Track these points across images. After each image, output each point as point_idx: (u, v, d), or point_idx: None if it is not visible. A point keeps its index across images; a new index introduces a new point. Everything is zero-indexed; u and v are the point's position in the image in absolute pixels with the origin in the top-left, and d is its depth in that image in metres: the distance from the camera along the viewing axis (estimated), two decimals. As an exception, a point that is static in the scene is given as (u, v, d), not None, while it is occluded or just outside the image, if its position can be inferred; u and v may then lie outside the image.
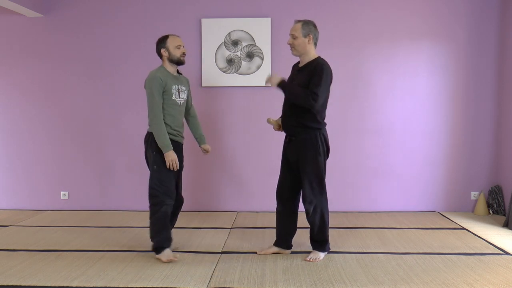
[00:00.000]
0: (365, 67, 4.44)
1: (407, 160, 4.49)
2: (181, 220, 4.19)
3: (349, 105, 4.47)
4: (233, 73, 4.45)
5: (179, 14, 4.48)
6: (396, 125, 4.48)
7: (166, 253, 3.07)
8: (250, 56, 4.43)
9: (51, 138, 4.62)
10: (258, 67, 4.43)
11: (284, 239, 3.23)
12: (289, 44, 3.05)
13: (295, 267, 2.96)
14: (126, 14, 4.50)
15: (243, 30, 4.41)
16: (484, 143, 4.47)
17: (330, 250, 3.25)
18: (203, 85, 4.48)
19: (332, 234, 3.68)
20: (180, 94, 3.21)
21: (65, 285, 2.68)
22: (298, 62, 3.24)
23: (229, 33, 4.42)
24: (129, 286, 2.66)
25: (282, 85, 3.01)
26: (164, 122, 3.10)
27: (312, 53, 3.05)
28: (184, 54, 3.19)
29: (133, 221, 4.17)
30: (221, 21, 4.42)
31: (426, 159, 4.49)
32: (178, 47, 3.15)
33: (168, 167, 3.05)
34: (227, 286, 2.66)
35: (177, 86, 3.18)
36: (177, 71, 3.28)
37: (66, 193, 4.65)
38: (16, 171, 4.67)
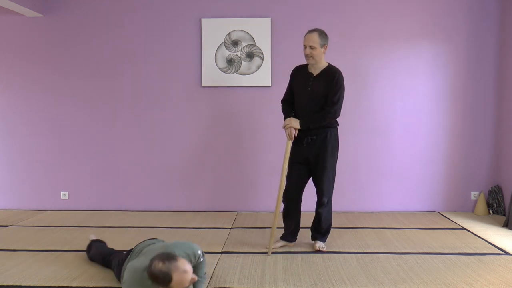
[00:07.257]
0: (365, 67, 4.44)
1: (407, 160, 4.49)
2: (181, 220, 4.21)
3: (349, 105, 4.45)
4: (233, 73, 4.45)
5: (179, 14, 4.48)
6: (396, 125, 4.48)
7: None
8: (250, 56, 4.43)
9: (51, 138, 4.62)
10: (258, 67, 4.42)
11: (291, 235, 3.39)
12: (307, 54, 3.14)
13: (295, 267, 2.96)
14: (126, 14, 4.50)
15: (243, 30, 4.41)
16: (484, 143, 4.47)
17: (331, 250, 3.27)
18: (203, 85, 4.48)
19: (332, 234, 3.67)
20: None
21: (65, 285, 2.68)
22: (302, 68, 3.32)
23: (229, 33, 4.42)
24: (129, 286, 2.66)
25: (304, 125, 3.17)
26: None
27: (324, 60, 3.23)
28: None
29: (133, 221, 4.17)
30: (221, 21, 4.42)
31: (426, 159, 4.49)
32: None
33: None
34: (227, 286, 2.66)
35: None
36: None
37: (66, 193, 4.65)
38: (16, 171, 4.67)
